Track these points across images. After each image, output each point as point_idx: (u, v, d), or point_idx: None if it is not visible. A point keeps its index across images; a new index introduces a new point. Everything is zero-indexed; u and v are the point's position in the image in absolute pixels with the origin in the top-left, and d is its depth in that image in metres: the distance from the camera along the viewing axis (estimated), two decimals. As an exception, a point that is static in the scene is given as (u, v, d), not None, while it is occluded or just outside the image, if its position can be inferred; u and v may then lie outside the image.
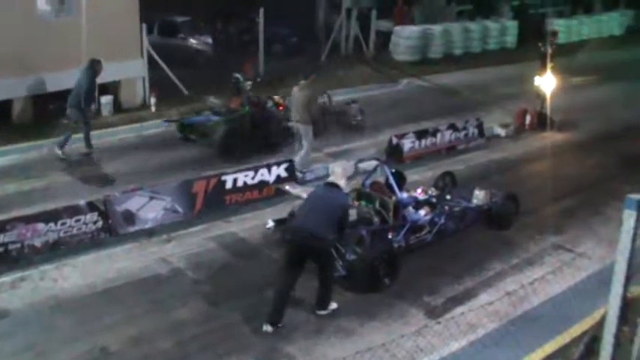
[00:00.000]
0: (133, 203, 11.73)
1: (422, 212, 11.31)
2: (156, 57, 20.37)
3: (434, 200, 11.70)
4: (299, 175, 14.20)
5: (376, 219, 10.87)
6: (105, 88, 18.42)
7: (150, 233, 11.76)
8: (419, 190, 11.90)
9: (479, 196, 12.29)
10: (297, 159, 14.41)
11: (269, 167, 13.40)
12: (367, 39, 28.36)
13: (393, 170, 11.68)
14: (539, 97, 18.58)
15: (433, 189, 12.35)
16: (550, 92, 18.30)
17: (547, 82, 18.28)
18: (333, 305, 9.41)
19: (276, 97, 16.98)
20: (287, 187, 12.92)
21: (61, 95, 16.44)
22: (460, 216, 11.85)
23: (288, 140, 16.02)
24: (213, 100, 17.71)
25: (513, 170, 15.71)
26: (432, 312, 9.59)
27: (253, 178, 13.12)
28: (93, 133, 15.90)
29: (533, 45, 20.76)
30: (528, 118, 18.58)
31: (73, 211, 11.13)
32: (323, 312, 9.33)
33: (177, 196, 12.22)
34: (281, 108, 16.62)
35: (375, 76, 25.17)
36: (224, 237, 11.87)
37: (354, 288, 9.92)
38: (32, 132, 16.82)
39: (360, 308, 9.56)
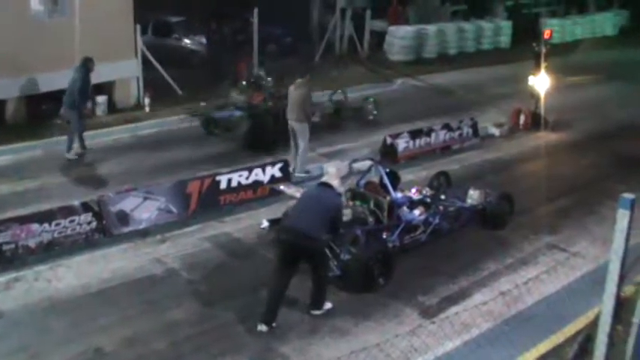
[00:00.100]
0: (128, 204, 11.71)
1: (416, 212, 11.33)
2: (150, 57, 20.35)
3: (428, 200, 11.70)
4: (304, 174, 14.33)
5: (371, 219, 10.87)
6: (99, 88, 18.38)
7: (144, 234, 11.74)
8: (413, 190, 11.91)
9: (473, 196, 12.31)
10: (297, 160, 14.49)
11: (263, 167, 13.39)
12: (361, 39, 28.40)
13: (388, 170, 11.67)
14: (534, 96, 18.61)
15: (427, 189, 12.35)
16: (544, 92, 18.34)
17: (541, 81, 18.31)
18: (328, 305, 9.41)
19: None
20: (282, 187, 12.93)
21: (55, 95, 16.43)
22: (455, 216, 11.87)
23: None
24: (235, 96, 18.27)
25: (508, 170, 15.73)
26: (427, 312, 9.59)
27: (247, 178, 13.10)
28: (87, 133, 15.88)
29: (527, 45, 20.78)
30: (523, 118, 18.62)
31: (67, 211, 11.10)
32: (317, 312, 9.33)
33: (171, 197, 12.20)
34: None
35: (370, 75, 25.19)
36: (218, 237, 11.86)
37: (348, 288, 9.91)
38: (26, 132, 16.79)
39: (354, 308, 9.56)
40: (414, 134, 16.13)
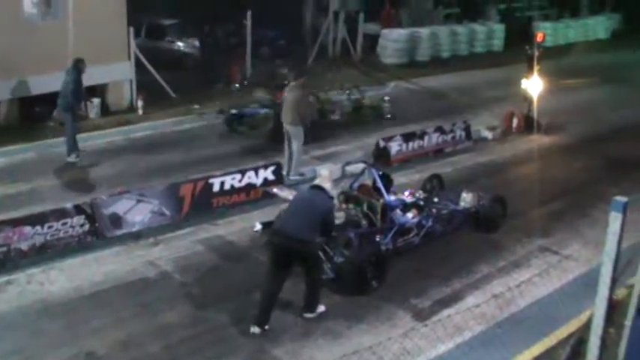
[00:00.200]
0: (120, 206, 11.69)
1: (409, 215, 11.33)
2: (143, 60, 20.33)
3: (421, 203, 11.72)
4: (297, 177, 14.34)
5: (364, 222, 10.88)
6: (92, 91, 18.36)
7: (137, 236, 11.72)
8: (406, 193, 11.91)
9: (466, 199, 12.32)
10: (291, 162, 14.50)
11: (256, 170, 13.39)
12: (355, 42, 28.45)
13: (381, 173, 11.69)
14: (526, 99, 18.65)
15: (421, 192, 12.37)
16: (537, 95, 18.39)
17: (534, 84, 18.35)
18: (321, 308, 9.41)
19: (320, 94, 18.81)
20: (275, 190, 12.92)
21: (48, 98, 16.39)
22: (448, 219, 11.88)
23: (333, 132, 17.65)
24: (260, 94, 18.83)
25: (501, 173, 15.76)
26: (419, 314, 9.60)
27: (240, 181, 13.10)
28: (80, 136, 15.81)
29: (520, 48, 20.83)
30: (515, 121, 18.65)
31: (60, 214, 11.07)
32: (310, 315, 9.33)
33: (164, 199, 12.18)
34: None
35: (363, 78, 25.17)
36: (211, 240, 11.85)
37: (341, 290, 9.91)
38: (19, 135, 16.75)
39: (347, 311, 9.56)
40: (407, 137, 16.14)
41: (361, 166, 12.17)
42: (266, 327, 8.93)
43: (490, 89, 23.57)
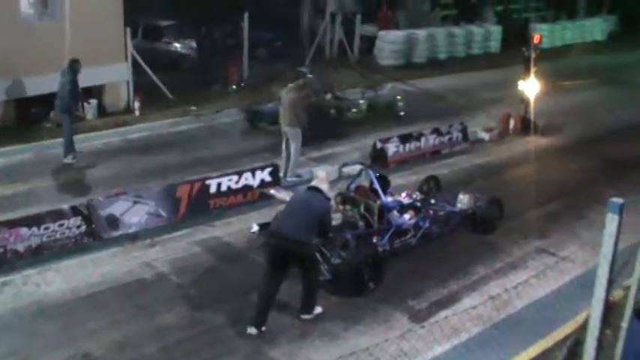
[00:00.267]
0: (117, 207, 11.67)
1: (406, 216, 11.33)
2: (140, 61, 20.32)
3: (418, 204, 11.72)
4: (295, 178, 14.33)
5: (361, 223, 10.87)
6: (89, 92, 18.34)
7: (134, 238, 11.70)
8: (403, 194, 11.91)
9: (463, 201, 12.32)
10: (289, 164, 14.48)
11: (253, 171, 13.38)
12: (351, 43, 28.43)
13: (378, 174, 11.68)
14: (523, 101, 18.65)
15: (418, 193, 12.37)
16: (534, 96, 18.39)
17: (531, 86, 18.37)
18: (318, 309, 9.40)
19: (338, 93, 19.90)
20: (272, 191, 12.93)
21: (44, 99, 16.37)
22: (444, 220, 11.88)
23: (350, 130, 18.29)
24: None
25: (497, 174, 15.77)
26: (416, 316, 9.59)
27: (237, 182, 13.09)
28: (77, 137, 15.78)
29: (517, 50, 20.83)
30: (512, 123, 18.66)
31: (57, 215, 11.06)
32: (307, 316, 9.32)
33: (161, 201, 12.17)
34: None
35: (360, 80, 25.16)
36: (208, 241, 11.84)
37: (338, 292, 9.90)
38: (15, 136, 16.73)
39: (344, 312, 9.55)
40: (404, 138, 16.15)
41: (358, 167, 12.16)
42: (263, 328, 8.92)
43: (487, 91, 23.58)
